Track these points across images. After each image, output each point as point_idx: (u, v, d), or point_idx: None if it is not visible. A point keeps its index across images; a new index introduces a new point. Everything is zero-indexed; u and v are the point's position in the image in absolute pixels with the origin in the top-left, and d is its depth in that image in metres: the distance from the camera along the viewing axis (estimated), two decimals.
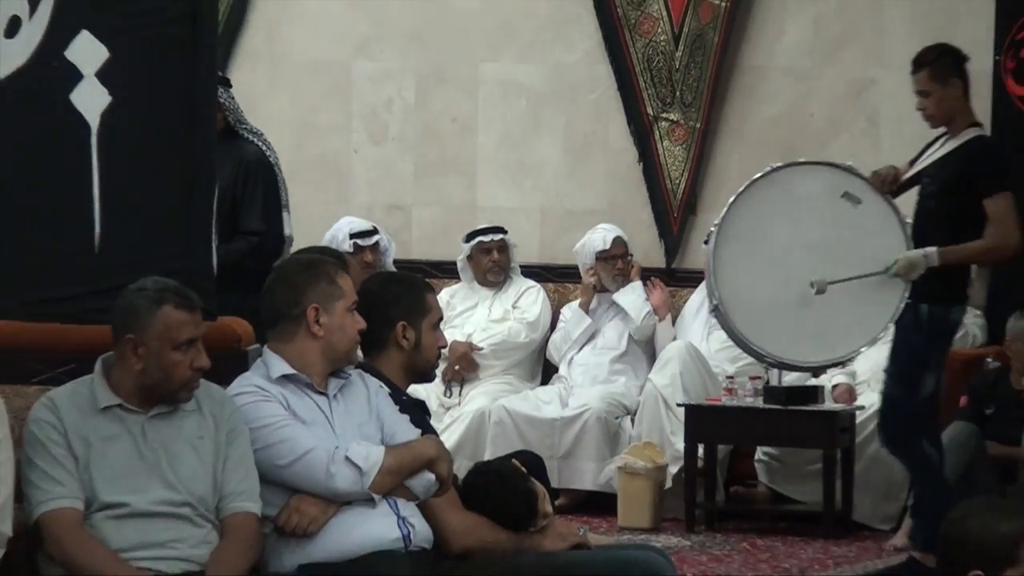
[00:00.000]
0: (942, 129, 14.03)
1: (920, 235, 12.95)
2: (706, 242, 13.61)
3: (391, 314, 9.33)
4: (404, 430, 9.09)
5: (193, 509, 8.44)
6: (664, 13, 17.12)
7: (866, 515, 16.03)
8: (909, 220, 13.70)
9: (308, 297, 8.95)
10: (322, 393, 8.96)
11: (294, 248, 12.99)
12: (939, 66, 13.96)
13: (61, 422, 8.44)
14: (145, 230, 9.00)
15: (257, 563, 8.54)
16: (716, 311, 13.38)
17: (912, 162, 13.80)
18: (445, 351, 11.49)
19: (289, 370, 8.98)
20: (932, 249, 12.80)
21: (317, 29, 17.84)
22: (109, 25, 8.94)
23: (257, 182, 13.22)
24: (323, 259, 9.44)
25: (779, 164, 13.56)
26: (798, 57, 16.90)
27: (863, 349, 14.01)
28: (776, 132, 16.12)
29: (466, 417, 16.95)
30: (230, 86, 14.24)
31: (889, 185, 13.54)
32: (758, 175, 13.49)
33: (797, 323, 12.96)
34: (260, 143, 13.90)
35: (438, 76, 17.09)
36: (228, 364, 9.05)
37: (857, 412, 16.12)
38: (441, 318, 9.68)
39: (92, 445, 8.45)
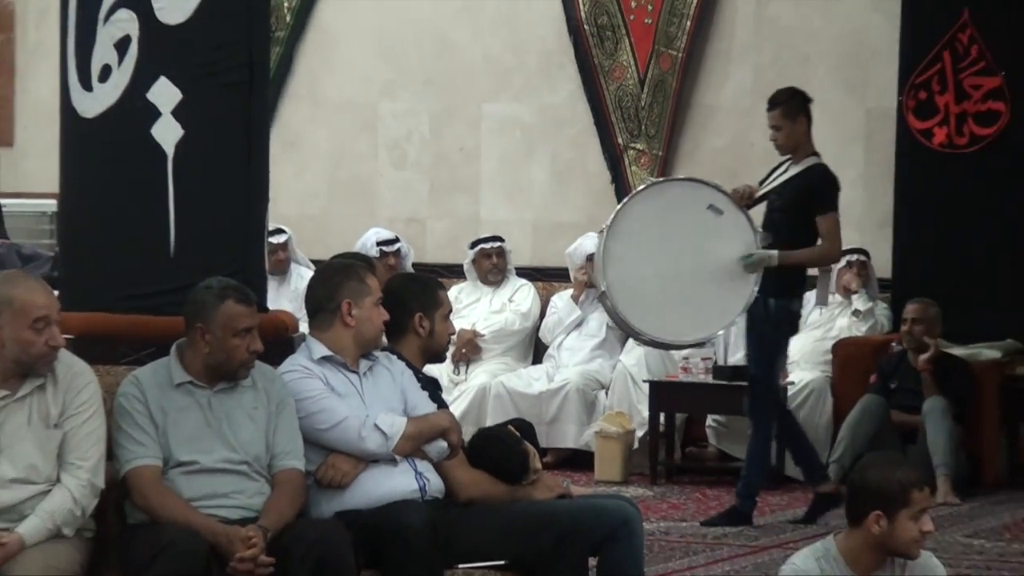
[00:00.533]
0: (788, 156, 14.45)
1: (770, 244, 13.18)
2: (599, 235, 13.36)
3: (410, 307, 9.38)
4: (423, 404, 9.19)
5: (250, 466, 8.55)
6: (632, 62, 17.10)
7: (795, 470, 15.81)
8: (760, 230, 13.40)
9: (342, 294, 9.03)
10: (354, 372, 9.05)
11: (330, 255, 13.02)
12: (790, 106, 14.36)
13: (144, 395, 8.53)
14: (210, 239, 9.08)
15: (301, 510, 8.61)
16: (602, 296, 13.59)
17: (762, 183, 14.16)
18: (454, 337, 11.52)
19: (327, 352, 9.07)
20: (775, 251, 13.27)
21: (350, 76, 17.80)
22: (182, 72, 8.96)
23: None
24: (354, 263, 9.55)
25: (659, 179, 13.85)
26: (741, 97, 16.87)
27: (719, 332, 14.74)
28: (723, 159, 16.14)
29: (471, 391, 17.00)
30: None
31: (745, 200, 13.88)
32: (642, 187, 13.80)
33: (668, 309, 13.20)
34: None
35: (448, 114, 17.09)
36: (278, 348, 9.12)
37: (788, 386, 15.98)
38: (451, 310, 9.68)
39: (168, 414, 8.54)
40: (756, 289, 13.29)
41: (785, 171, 14.21)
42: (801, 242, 13.75)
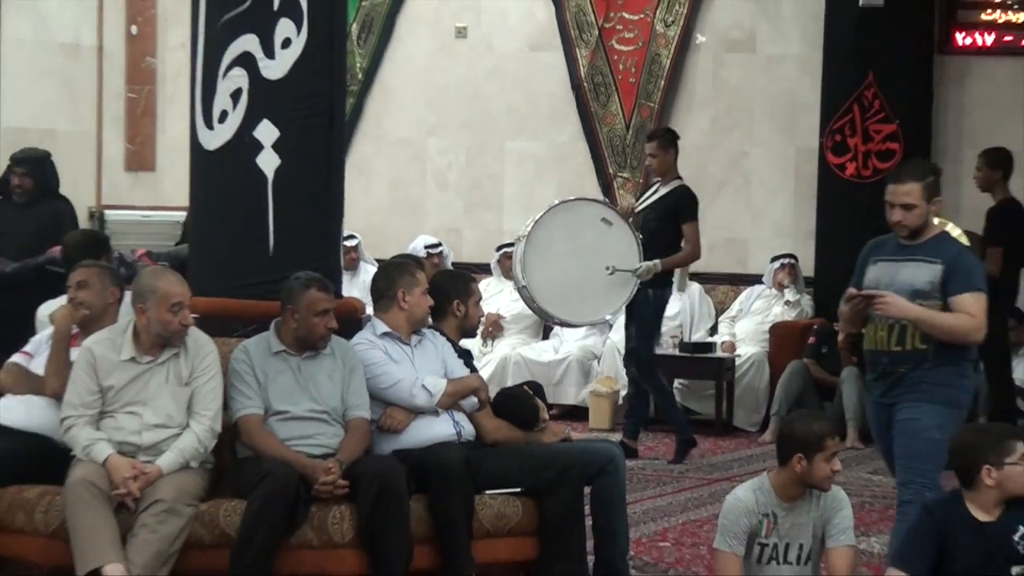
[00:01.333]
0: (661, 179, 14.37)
1: (647, 247, 13.25)
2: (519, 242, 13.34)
3: (449, 296, 9.42)
4: (459, 369, 9.27)
5: (329, 415, 8.67)
6: (620, 111, 17.06)
7: (741, 422, 15.98)
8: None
9: (398, 285, 9.08)
10: (407, 344, 9.12)
11: (389, 256, 13.00)
12: (663, 139, 14.26)
13: (250, 360, 8.64)
14: (300, 243, 9.19)
15: (367, 448, 8.71)
16: (522, 290, 13.39)
17: (639, 199, 14.28)
18: (483, 319, 11.53)
19: (387, 329, 9.17)
20: (657, 261, 13.28)
21: (405, 120, 17.74)
22: (279, 116, 9.01)
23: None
24: (407, 262, 9.63)
25: (567, 199, 13.71)
26: (701, 138, 16.79)
27: (609, 316, 14.29)
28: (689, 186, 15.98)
29: (495, 360, 16.92)
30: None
31: (628, 214, 13.84)
32: (554, 204, 13.48)
33: (572, 299, 13.16)
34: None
35: (479, 149, 17.02)
36: (350, 326, 9.16)
37: (736, 358, 15.95)
38: (480, 298, 9.74)
39: (268, 375, 8.64)
40: (638, 284, 13.29)
41: (656, 191, 14.27)
42: (670, 244, 13.82)
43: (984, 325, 8.12)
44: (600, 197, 13.88)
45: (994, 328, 13.63)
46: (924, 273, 7.85)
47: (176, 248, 12.19)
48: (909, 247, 8.03)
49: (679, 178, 14.26)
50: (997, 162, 14.04)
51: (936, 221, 12.03)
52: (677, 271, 16.01)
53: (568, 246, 12.80)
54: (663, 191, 14.20)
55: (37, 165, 12.59)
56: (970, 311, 7.84)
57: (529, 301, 13.36)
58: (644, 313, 14.23)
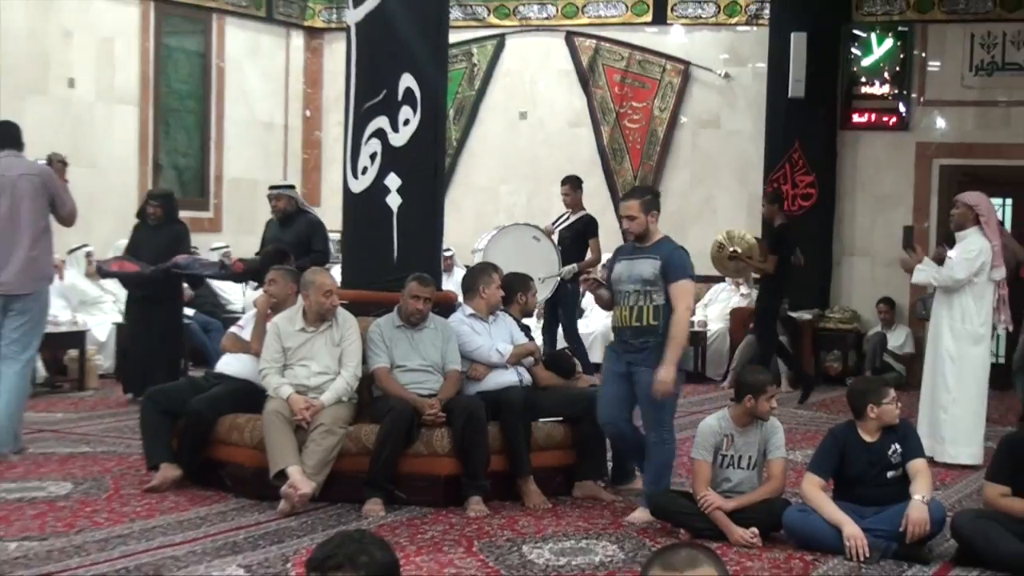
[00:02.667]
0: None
1: (564, 256, 12.95)
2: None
3: (515, 289, 9.40)
4: (521, 338, 9.16)
5: (432, 368, 8.68)
6: (630, 167, 16.81)
7: (711, 374, 15.79)
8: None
9: (480, 282, 9.05)
10: (486, 322, 9.03)
11: (469, 263, 13.05)
12: (573, 184, 13.92)
13: (381, 331, 8.68)
14: (414, 255, 9.23)
15: (459, 391, 8.69)
16: None
17: (555, 224, 13.77)
18: (539, 305, 11.55)
19: (472, 312, 9.12)
20: (574, 264, 13.00)
21: (485, 173, 17.53)
22: (401, 170, 9.02)
23: (316, 231, 12.42)
24: (486, 267, 9.57)
25: (511, 223, 13.73)
26: (683, 187, 16.58)
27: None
28: (673, 219, 15.59)
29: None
30: (292, 187, 13.35)
31: (550, 233, 13.43)
32: (504, 226, 13.49)
33: None
34: (315, 215, 12.85)
35: (535, 192, 16.81)
36: (448, 309, 9.17)
37: (708, 331, 15.46)
38: (535, 291, 9.77)
39: (392, 341, 8.65)
40: (559, 281, 13.05)
41: (567, 219, 13.92)
42: (579, 253, 13.53)
43: (691, 303, 8.36)
44: (530, 222, 13.67)
45: (771, 304, 14.04)
46: (648, 267, 7.85)
47: (254, 258, 12.37)
48: (640, 248, 8.04)
49: (584, 209, 14.00)
50: (774, 199, 14.07)
51: (722, 234, 12.54)
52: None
53: (510, 254, 12.04)
54: (573, 218, 13.90)
55: (165, 199, 12.63)
56: (682, 294, 7.90)
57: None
58: (565, 302, 13.90)
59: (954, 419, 10.13)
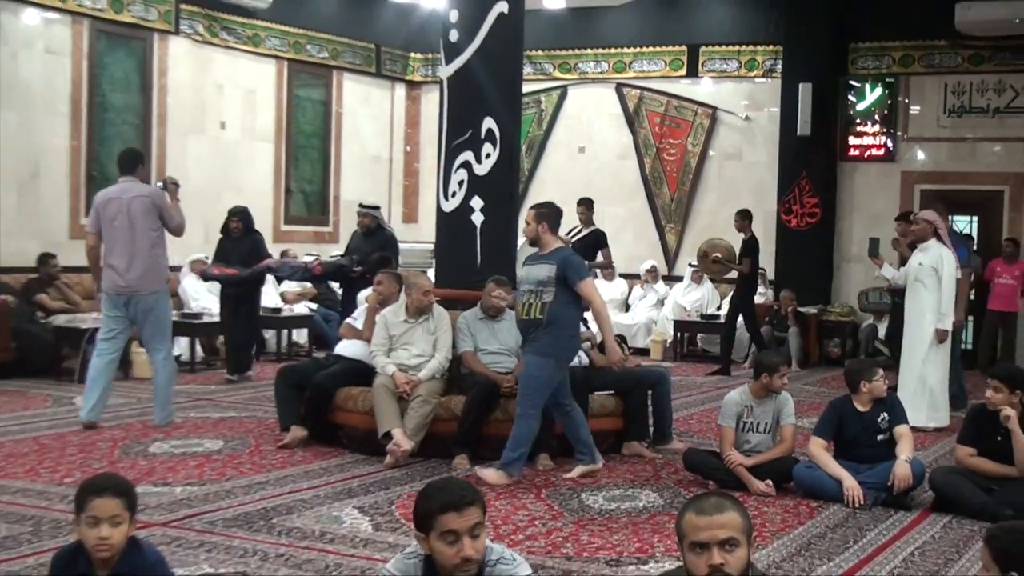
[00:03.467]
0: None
1: None
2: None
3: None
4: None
5: (508, 352, 8.52)
6: (667, 191, 16.74)
7: (734, 356, 14.56)
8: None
9: None
10: None
11: None
12: (586, 205, 13.74)
13: (467, 322, 8.61)
14: (493, 261, 9.16)
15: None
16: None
17: (568, 236, 12.72)
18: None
19: None
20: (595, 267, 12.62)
21: (551, 196, 17.38)
22: (484, 194, 9.00)
23: (390, 243, 12.12)
24: None
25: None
26: (712, 207, 16.40)
27: None
28: (703, 234, 15.51)
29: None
30: (377, 208, 12.98)
31: (567, 244, 12.73)
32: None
33: None
34: (391, 231, 12.64)
35: (574, 222, 16.85)
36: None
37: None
38: None
39: (476, 330, 8.57)
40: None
41: (580, 232, 13.48)
42: (590, 260, 12.90)
43: (598, 296, 8.14)
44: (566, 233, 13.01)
45: (748, 299, 13.97)
46: (544, 270, 7.67)
47: (337, 259, 12.49)
48: (539, 255, 7.90)
49: (594, 224, 13.72)
50: (745, 216, 13.81)
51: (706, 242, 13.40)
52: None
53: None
54: (585, 232, 13.53)
55: (244, 215, 12.48)
56: (588, 291, 7.78)
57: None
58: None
59: (929, 392, 10.15)
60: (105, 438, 8.83)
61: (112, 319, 9.30)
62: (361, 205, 12.70)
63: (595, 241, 13.52)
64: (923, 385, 10.15)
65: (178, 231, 9.48)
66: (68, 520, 6.22)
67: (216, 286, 12.99)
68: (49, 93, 13.52)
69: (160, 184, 9.63)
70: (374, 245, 11.42)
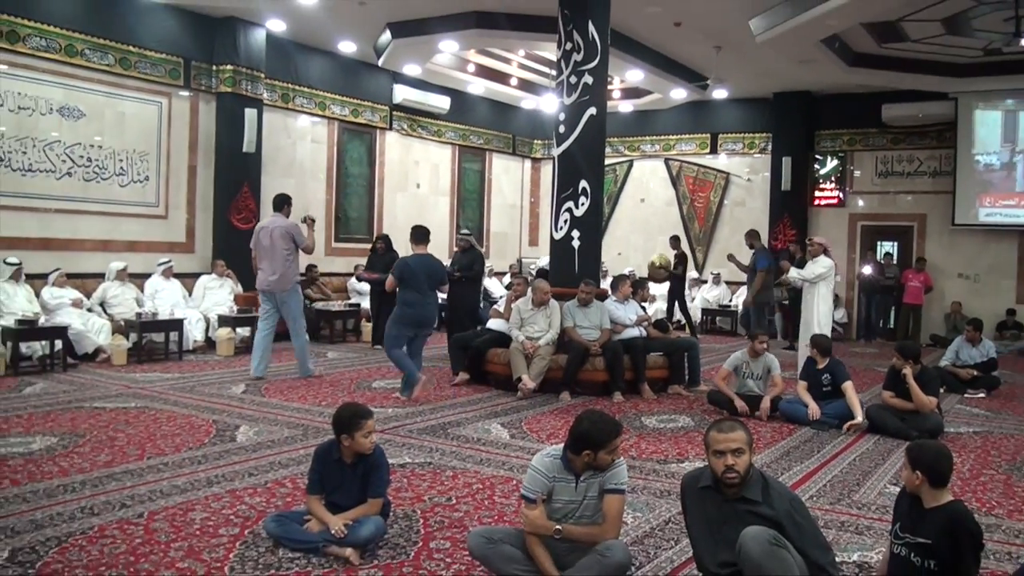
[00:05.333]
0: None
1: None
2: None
3: (635, 289, 9.34)
4: (640, 312, 8.95)
5: (594, 327, 8.38)
6: (697, 226, 16.68)
7: (739, 331, 14.80)
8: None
9: (619, 283, 8.92)
10: (623, 304, 8.83)
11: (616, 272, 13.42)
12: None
13: (569, 308, 8.46)
14: (585, 270, 8.99)
15: (609, 338, 8.44)
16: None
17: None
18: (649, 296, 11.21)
19: (615, 299, 8.93)
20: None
21: (622, 230, 17.16)
22: (580, 228, 8.96)
23: (478, 259, 10.93)
24: (624, 275, 9.35)
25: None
26: (727, 236, 16.21)
27: None
28: (723, 252, 15.32)
29: (650, 310, 16.50)
30: (470, 234, 11.51)
31: None
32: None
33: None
34: (479, 250, 11.30)
35: (645, 240, 16.60)
36: (603, 298, 8.99)
37: (737, 308, 15.49)
38: (650, 290, 9.54)
39: (575, 314, 8.44)
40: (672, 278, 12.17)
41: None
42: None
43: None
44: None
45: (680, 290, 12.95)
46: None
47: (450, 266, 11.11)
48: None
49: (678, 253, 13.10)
50: (755, 236, 12.86)
51: (655, 257, 12.76)
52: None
53: None
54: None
55: (386, 240, 11.85)
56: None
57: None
58: (678, 288, 13.28)
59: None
60: (345, 378, 8.94)
61: (265, 306, 8.83)
62: (460, 232, 11.96)
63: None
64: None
65: (308, 251, 8.96)
66: (325, 428, 6.35)
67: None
68: (314, 167, 13.79)
69: (302, 219, 9.12)
70: (469, 258, 11.03)
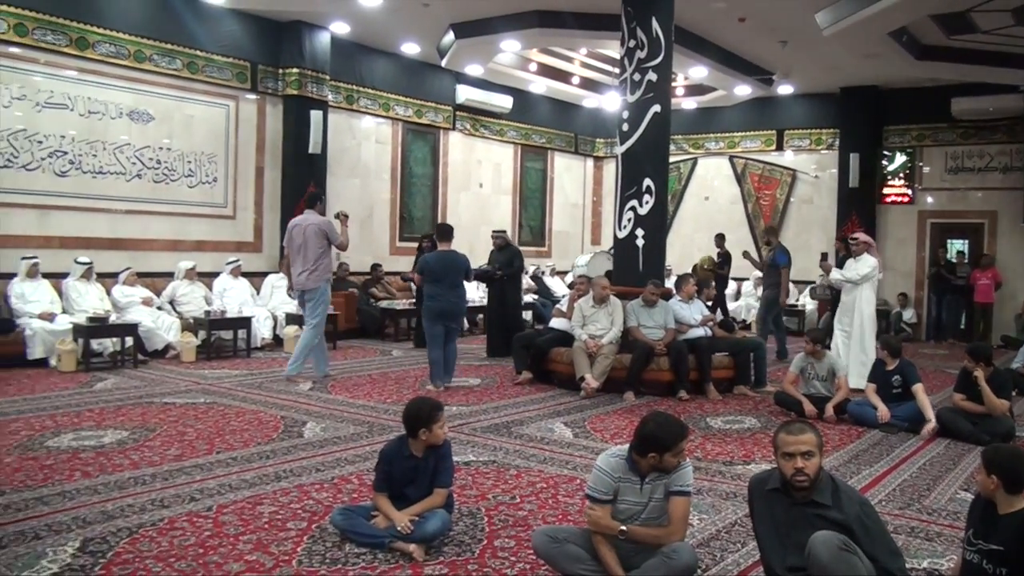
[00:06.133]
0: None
1: None
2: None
3: (700, 287, 9.24)
4: (705, 312, 8.87)
5: (659, 327, 8.31)
6: (762, 224, 16.44)
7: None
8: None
9: (684, 283, 8.83)
10: (687, 303, 8.77)
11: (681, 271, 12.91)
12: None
13: (633, 308, 8.37)
14: (649, 268, 8.92)
15: (674, 338, 8.40)
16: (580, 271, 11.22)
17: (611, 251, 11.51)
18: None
19: (680, 299, 8.85)
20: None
21: (686, 226, 16.95)
22: (644, 226, 8.91)
23: (516, 256, 10.91)
24: (688, 275, 9.23)
25: (599, 250, 12.03)
26: (795, 232, 16.05)
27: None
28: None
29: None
30: (505, 232, 11.41)
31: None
32: (596, 251, 11.77)
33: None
34: (516, 247, 11.25)
35: (710, 236, 16.43)
36: (667, 298, 8.90)
37: (804, 308, 15.54)
38: (714, 288, 9.44)
39: (639, 313, 8.42)
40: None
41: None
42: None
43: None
44: (608, 249, 12.04)
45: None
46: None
47: (483, 267, 11.03)
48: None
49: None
50: (771, 232, 12.40)
51: (700, 258, 12.50)
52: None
53: (602, 261, 10.92)
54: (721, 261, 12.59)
55: (431, 238, 11.05)
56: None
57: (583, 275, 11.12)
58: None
59: (868, 357, 8.80)
60: (410, 376, 8.99)
61: (301, 305, 8.69)
62: (494, 231, 11.70)
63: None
64: (866, 352, 8.89)
65: (342, 248, 8.72)
66: (390, 425, 6.40)
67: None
68: (379, 167, 13.92)
69: (336, 215, 8.92)
70: (506, 256, 10.93)
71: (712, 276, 13.64)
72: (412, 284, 12.15)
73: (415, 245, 14.33)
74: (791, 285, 13.73)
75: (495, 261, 10.97)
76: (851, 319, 8.93)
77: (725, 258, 13.97)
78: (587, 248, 18.12)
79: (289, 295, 8.77)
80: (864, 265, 9.00)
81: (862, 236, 9.30)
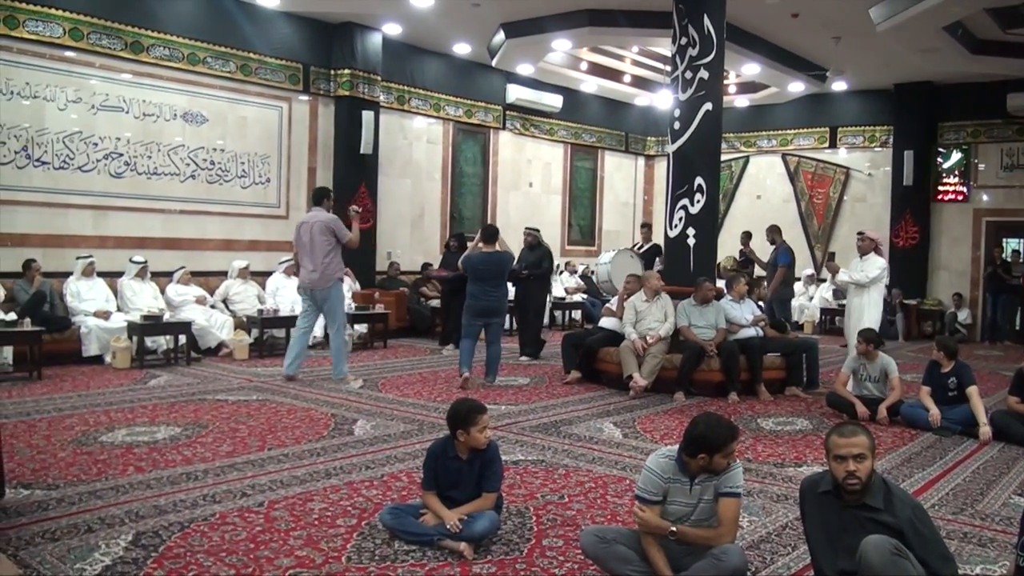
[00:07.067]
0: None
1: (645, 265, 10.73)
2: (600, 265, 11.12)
3: (751, 287, 9.13)
4: (756, 312, 8.75)
5: (710, 327, 8.26)
6: (815, 222, 16.25)
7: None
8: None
9: (736, 282, 8.75)
10: (738, 303, 8.69)
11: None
12: (648, 230, 12.42)
13: (684, 307, 8.30)
14: (701, 268, 8.80)
15: (724, 338, 8.33)
16: (602, 270, 10.91)
17: (634, 248, 11.59)
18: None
19: (731, 298, 8.76)
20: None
21: (737, 223, 16.82)
22: (696, 225, 8.84)
23: (547, 255, 10.82)
24: (738, 272, 9.25)
25: (622, 248, 11.61)
26: (849, 230, 15.82)
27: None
28: (845, 250, 14.92)
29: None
30: (537, 230, 11.21)
31: (635, 253, 11.04)
32: (619, 249, 11.44)
33: (617, 276, 10.42)
34: (547, 246, 11.06)
35: (760, 231, 16.28)
36: (719, 297, 8.79)
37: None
38: (765, 288, 9.31)
39: (690, 312, 8.34)
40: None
41: (642, 246, 11.98)
42: (649, 265, 11.02)
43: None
44: (631, 247, 11.91)
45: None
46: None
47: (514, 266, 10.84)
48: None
49: (652, 240, 12.21)
50: (777, 231, 11.80)
51: (724, 259, 11.73)
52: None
53: (625, 259, 10.75)
54: (646, 246, 11.99)
55: (459, 238, 11.46)
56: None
57: (605, 276, 10.72)
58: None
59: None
60: (455, 375, 8.93)
61: (304, 304, 8.42)
62: (527, 228, 11.52)
63: (654, 252, 11.88)
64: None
65: (350, 246, 8.48)
66: (439, 424, 6.43)
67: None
68: (429, 167, 14.02)
69: (350, 211, 8.73)
70: (536, 256, 10.84)
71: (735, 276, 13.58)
72: (436, 282, 12.15)
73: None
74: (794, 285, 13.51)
75: (524, 260, 10.89)
76: (859, 324, 8.40)
77: (748, 258, 13.58)
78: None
79: (299, 293, 8.75)
80: (872, 266, 8.54)
81: (869, 233, 8.85)
